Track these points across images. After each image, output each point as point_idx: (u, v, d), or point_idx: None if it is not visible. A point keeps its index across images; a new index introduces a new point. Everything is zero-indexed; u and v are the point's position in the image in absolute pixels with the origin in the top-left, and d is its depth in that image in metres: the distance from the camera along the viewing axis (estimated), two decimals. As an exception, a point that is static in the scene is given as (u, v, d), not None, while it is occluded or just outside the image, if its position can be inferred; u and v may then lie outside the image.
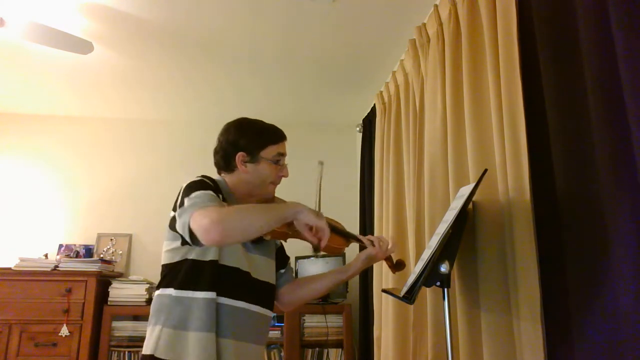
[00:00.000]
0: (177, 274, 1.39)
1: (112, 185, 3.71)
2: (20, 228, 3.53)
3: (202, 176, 1.43)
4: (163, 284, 1.42)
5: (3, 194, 3.60)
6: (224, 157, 1.52)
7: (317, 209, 1.49)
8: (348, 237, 1.61)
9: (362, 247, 1.64)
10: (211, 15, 2.42)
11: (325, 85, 3.24)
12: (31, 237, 3.51)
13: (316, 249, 1.39)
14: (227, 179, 1.52)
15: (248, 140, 1.51)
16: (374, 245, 1.58)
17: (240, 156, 1.49)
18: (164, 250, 1.45)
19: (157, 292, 1.43)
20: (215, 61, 2.91)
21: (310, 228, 1.36)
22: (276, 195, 1.61)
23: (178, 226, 1.29)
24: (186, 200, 1.30)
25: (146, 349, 1.35)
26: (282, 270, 1.65)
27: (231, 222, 1.23)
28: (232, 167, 1.51)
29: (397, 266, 1.69)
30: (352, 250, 1.96)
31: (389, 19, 2.43)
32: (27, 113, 3.74)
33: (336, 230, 1.57)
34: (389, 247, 1.60)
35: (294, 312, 3.17)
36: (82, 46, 2.41)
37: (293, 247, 1.67)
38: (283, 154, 1.55)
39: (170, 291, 1.38)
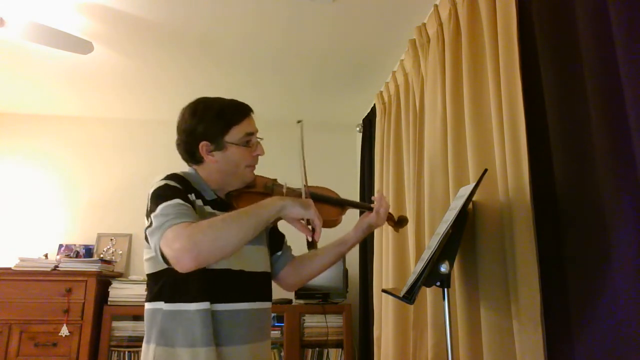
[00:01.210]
0: (164, 285, 1.26)
1: (112, 185, 3.71)
2: (20, 228, 3.53)
3: (168, 177, 1.27)
4: (150, 295, 1.30)
5: (3, 194, 3.60)
6: (187, 150, 1.36)
7: (303, 175, 1.33)
8: (343, 205, 1.49)
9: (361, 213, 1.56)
10: (211, 15, 2.42)
11: (325, 85, 3.24)
12: (31, 237, 3.51)
13: (310, 244, 1.25)
14: (199, 170, 1.37)
15: (207, 127, 1.33)
16: (374, 210, 1.49)
17: (203, 146, 1.32)
18: (144, 258, 1.32)
19: (147, 306, 1.30)
20: (215, 61, 2.91)
21: (303, 220, 1.23)
22: (264, 175, 1.46)
23: (151, 245, 1.18)
24: (153, 219, 1.17)
25: None
26: (279, 253, 1.52)
27: (205, 245, 1.09)
28: (198, 159, 1.35)
29: (400, 223, 1.62)
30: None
31: (389, 19, 2.43)
32: (27, 113, 3.74)
33: (328, 200, 1.46)
34: (389, 208, 1.52)
35: (294, 312, 3.17)
36: (82, 46, 2.41)
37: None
38: (252, 133, 1.36)
39: (161, 305, 1.26)
